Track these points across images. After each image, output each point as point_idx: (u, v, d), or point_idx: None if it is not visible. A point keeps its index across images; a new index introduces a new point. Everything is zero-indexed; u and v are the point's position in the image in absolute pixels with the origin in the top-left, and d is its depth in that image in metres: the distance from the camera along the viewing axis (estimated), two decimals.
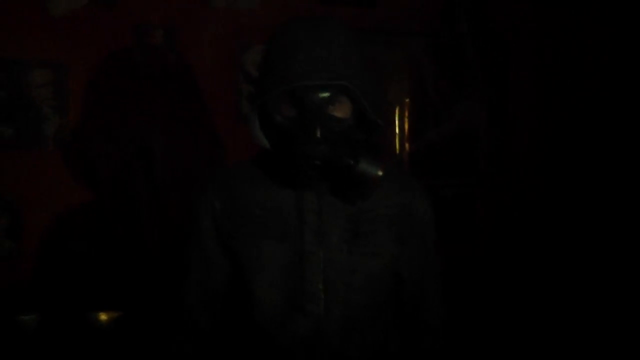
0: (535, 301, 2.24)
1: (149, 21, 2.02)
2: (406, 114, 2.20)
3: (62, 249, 1.95)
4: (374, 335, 1.30)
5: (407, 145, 2.21)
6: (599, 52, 2.21)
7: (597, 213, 2.25)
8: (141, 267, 2.00)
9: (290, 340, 1.24)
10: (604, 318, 2.17)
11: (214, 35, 2.07)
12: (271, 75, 1.18)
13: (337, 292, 1.23)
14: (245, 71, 2.10)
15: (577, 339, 2.17)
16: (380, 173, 1.16)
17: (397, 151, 2.20)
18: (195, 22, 2.05)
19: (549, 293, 2.25)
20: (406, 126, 2.20)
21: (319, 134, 1.14)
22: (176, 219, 2.00)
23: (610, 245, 2.20)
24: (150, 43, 2.02)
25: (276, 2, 2.12)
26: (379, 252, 1.27)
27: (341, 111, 1.19)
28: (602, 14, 2.18)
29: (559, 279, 2.26)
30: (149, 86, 2.02)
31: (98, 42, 1.97)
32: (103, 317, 1.84)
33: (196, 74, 2.06)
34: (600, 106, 2.23)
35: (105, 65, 1.98)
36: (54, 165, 1.95)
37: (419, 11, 2.21)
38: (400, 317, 1.37)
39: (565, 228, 2.30)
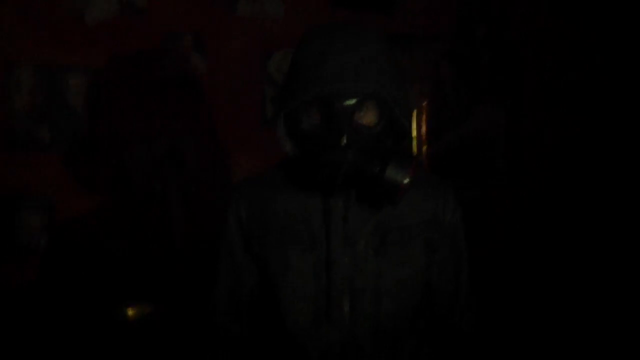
0: (552, 302, 2.29)
1: (178, 29, 2.10)
2: (424, 117, 2.27)
3: (95, 247, 2.04)
4: (406, 344, 1.29)
5: (424, 147, 2.28)
6: (611, 56, 2.27)
7: (613, 214, 2.29)
8: (170, 265, 2.08)
9: (320, 349, 1.23)
10: (619, 318, 2.21)
11: (240, 42, 2.16)
12: (300, 80, 1.16)
13: (365, 300, 1.22)
14: (270, 77, 2.18)
15: (592, 336, 2.21)
16: (407, 180, 1.15)
17: (415, 153, 2.27)
18: (222, 29, 2.14)
19: (564, 294, 2.29)
20: (424, 129, 2.27)
21: (345, 141, 1.12)
22: (204, 218, 2.09)
23: (627, 247, 2.25)
24: (179, 50, 2.11)
25: (299, 11, 2.20)
26: (408, 260, 1.25)
27: (369, 118, 1.18)
28: (614, 20, 2.24)
29: (575, 280, 2.30)
30: (178, 91, 2.11)
31: (130, 49, 2.06)
32: (131, 311, 1.93)
33: (223, 79, 2.15)
34: (614, 109, 2.29)
35: (137, 71, 2.07)
36: (88, 166, 2.04)
37: (436, 17, 2.28)
38: (432, 325, 1.35)
39: (581, 229, 2.34)
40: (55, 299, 1.99)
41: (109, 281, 2.02)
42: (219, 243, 1.32)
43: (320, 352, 1.23)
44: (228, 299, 1.32)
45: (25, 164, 1.99)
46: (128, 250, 2.05)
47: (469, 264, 1.34)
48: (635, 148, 2.24)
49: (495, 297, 2.27)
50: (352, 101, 1.14)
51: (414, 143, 2.27)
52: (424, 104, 2.27)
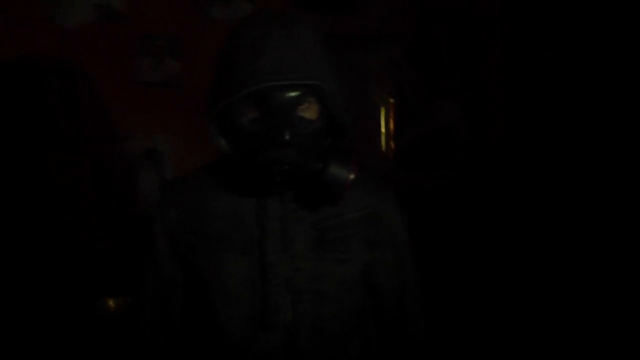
0: (520, 288, 2.35)
1: (153, 33, 2.18)
2: (391, 114, 2.40)
3: (77, 242, 2.09)
4: (350, 348, 1.24)
5: (392, 143, 2.41)
6: (568, 52, 2.41)
7: (570, 199, 2.41)
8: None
9: (260, 356, 1.17)
10: (588, 306, 2.27)
11: (213, 44, 2.24)
12: (236, 74, 1.09)
13: (305, 302, 1.18)
14: None
15: (562, 327, 2.28)
16: (351, 177, 1.12)
17: (384, 149, 2.40)
18: (195, 32, 2.22)
19: (532, 280, 2.36)
20: (391, 125, 2.40)
21: (287, 137, 1.06)
22: None
23: (589, 232, 2.31)
24: (154, 53, 2.19)
25: None
26: (348, 258, 1.21)
27: (310, 113, 1.13)
28: (572, 16, 2.38)
29: (540, 266, 2.38)
30: (155, 92, 2.18)
31: (108, 52, 2.13)
32: (112, 302, 1.99)
33: (197, 79, 2.23)
34: (570, 102, 2.43)
35: (114, 73, 2.14)
36: (66, 166, 2.10)
37: (398, 18, 2.40)
38: (379, 329, 1.32)
39: (542, 216, 2.47)
40: (39, 294, 2.03)
41: (90, 276, 2.08)
42: (142, 248, 1.25)
43: (260, 359, 1.17)
44: (153, 306, 1.24)
45: (8, 164, 2.03)
46: (109, 245, 2.11)
47: (415, 268, 1.31)
48: (588, 136, 2.37)
49: (463, 283, 2.38)
50: (292, 94, 1.08)
51: (382, 139, 2.40)
52: (391, 101, 2.40)
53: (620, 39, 2.27)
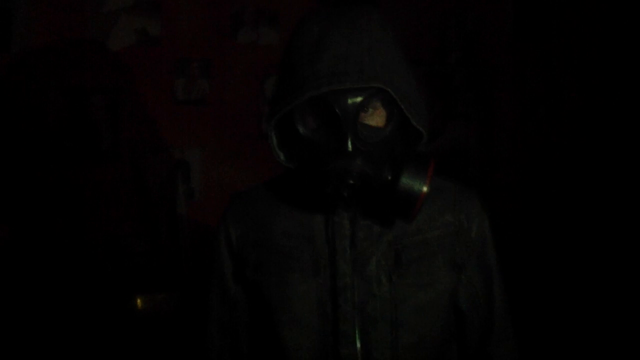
0: (526, 294, 2.36)
1: (188, 55, 2.41)
2: None
3: (116, 245, 2.36)
4: None
5: None
6: (573, 75, 2.52)
7: (582, 222, 2.44)
8: (178, 262, 2.39)
9: None
10: (589, 311, 2.32)
11: (240, 66, 2.46)
12: (294, 79, 0.99)
13: (379, 331, 1.05)
14: (267, 96, 2.48)
15: (565, 330, 2.33)
16: (425, 189, 0.98)
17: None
18: (225, 55, 2.44)
19: (537, 287, 2.42)
20: None
21: (350, 147, 0.95)
22: (206, 220, 2.39)
23: (590, 238, 2.38)
24: (188, 73, 2.42)
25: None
26: (429, 282, 1.06)
27: (377, 118, 1.01)
28: (579, 41, 2.48)
29: (547, 276, 2.45)
30: (187, 109, 2.41)
31: (146, 73, 2.37)
32: (140, 301, 2.22)
33: (225, 98, 2.45)
34: (574, 122, 2.53)
35: (152, 91, 2.39)
36: (109, 174, 2.36)
37: (415, 44, 2.57)
38: (465, 357, 1.17)
39: (547, 226, 2.56)
40: (75, 293, 2.30)
41: (125, 275, 2.34)
42: (209, 270, 1.19)
43: None
44: (219, 331, 1.18)
45: (54, 173, 2.31)
46: (144, 247, 2.37)
47: (504, 281, 1.16)
48: (590, 156, 2.47)
49: None
50: (356, 99, 0.96)
51: None
52: None
53: (627, 61, 2.36)
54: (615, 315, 2.26)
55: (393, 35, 1.04)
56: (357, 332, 1.05)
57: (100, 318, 2.23)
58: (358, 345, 1.05)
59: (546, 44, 2.48)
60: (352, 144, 0.96)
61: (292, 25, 1.09)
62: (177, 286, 2.32)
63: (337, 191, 0.97)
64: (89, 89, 2.33)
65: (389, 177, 1.00)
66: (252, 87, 2.46)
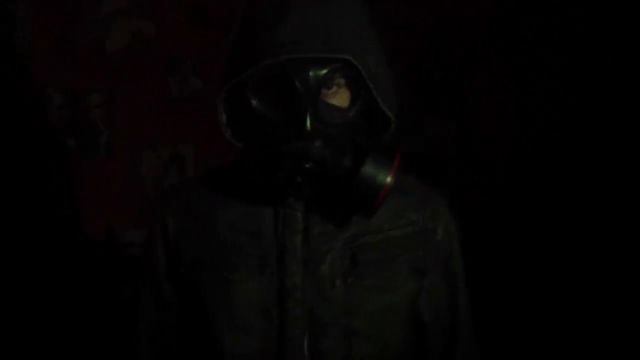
0: (506, 299, 2.39)
1: (180, 55, 2.53)
2: None
3: (113, 235, 2.48)
4: None
5: None
6: (550, 73, 2.60)
7: (563, 220, 2.45)
8: None
9: None
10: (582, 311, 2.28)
11: None
12: (249, 47, 0.88)
13: (331, 340, 0.94)
14: None
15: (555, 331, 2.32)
16: (389, 180, 0.88)
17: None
18: (213, 54, 2.56)
19: (518, 290, 2.43)
20: None
21: (309, 126, 0.84)
22: None
23: (576, 239, 2.37)
24: (181, 72, 2.54)
25: None
26: (388, 286, 0.96)
27: (341, 97, 0.91)
28: (554, 40, 2.57)
29: (526, 282, 2.44)
30: (180, 106, 2.54)
31: (140, 72, 2.49)
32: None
33: (215, 95, 2.56)
34: (552, 118, 2.61)
35: (147, 89, 2.51)
36: (106, 169, 2.48)
37: (395, 43, 2.67)
38: None
39: (530, 226, 2.60)
40: (73, 281, 2.42)
41: (121, 264, 2.46)
42: (141, 265, 1.08)
43: None
44: (148, 333, 1.06)
45: (55, 167, 2.43)
46: (138, 237, 2.49)
47: (469, 291, 1.08)
48: (583, 155, 2.48)
49: None
50: (319, 72, 0.84)
51: None
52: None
53: (605, 58, 2.44)
54: (601, 320, 2.22)
55: (365, 8, 0.93)
56: (305, 339, 0.93)
57: (96, 305, 2.34)
58: (306, 354, 0.93)
59: (523, 42, 2.57)
60: (311, 123, 0.85)
61: None
62: None
63: (290, 176, 0.86)
64: (87, 87, 2.45)
65: (350, 165, 0.89)
66: None
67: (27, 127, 2.39)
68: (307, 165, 0.87)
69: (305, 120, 0.85)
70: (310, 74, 0.85)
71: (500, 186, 2.62)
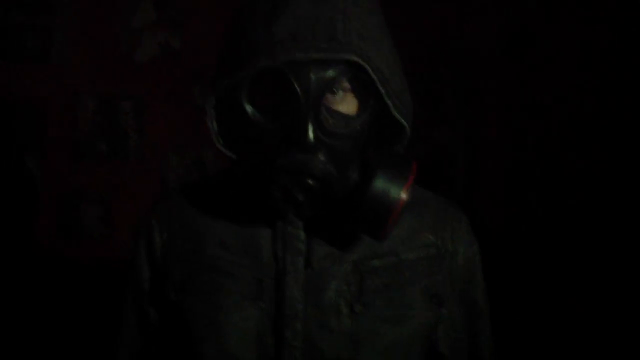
0: (508, 302, 2.35)
1: (204, 65, 2.70)
2: None
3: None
4: None
5: None
6: (551, 85, 2.69)
7: (568, 231, 2.48)
8: None
9: None
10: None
11: None
12: (242, 45, 0.79)
13: None
14: None
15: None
16: (403, 196, 0.78)
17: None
18: None
19: (520, 293, 2.45)
20: None
21: (311, 137, 0.75)
22: None
23: (575, 246, 2.39)
24: (204, 82, 2.71)
25: None
26: (401, 316, 0.85)
27: (347, 104, 0.80)
28: (557, 56, 2.66)
29: (529, 284, 2.48)
30: (203, 114, 2.70)
31: (167, 82, 2.67)
32: None
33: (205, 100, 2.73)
34: (554, 129, 2.71)
35: (173, 98, 2.68)
36: (135, 171, 2.67)
37: (405, 54, 2.80)
38: None
39: (531, 230, 2.60)
40: (100, 279, 2.60)
41: None
42: (125, 284, 0.96)
43: None
44: (128, 356, 0.95)
45: (88, 169, 2.62)
46: None
47: (491, 320, 0.96)
48: (586, 165, 2.44)
49: None
50: (323, 75, 0.75)
51: None
52: None
53: (604, 71, 2.52)
54: (603, 333, 2.21)
55: (376, 1, 0.83)
56: None
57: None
58: None
59: (530, 56, 2.67)
60: (313, 133, 0.75)
61: None
62: None
63: (289, 194, 0.77)
64: (118, 95, 2.64)
65: (359, 180, 0.80)
66: None
67: (64, 131, 2.58)
68: (309, 182, 0.77)
69: (306, 130, 0.75)
70: (313, 77, 0.75)
71: (508, 197, 2.68)
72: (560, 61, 2.59)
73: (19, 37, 2.53)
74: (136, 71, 2.66)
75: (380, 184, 0.79)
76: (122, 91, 2.65)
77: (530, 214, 2.64)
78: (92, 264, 2.59)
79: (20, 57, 2.54)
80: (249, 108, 0.80)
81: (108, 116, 2.64)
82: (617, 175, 2.31)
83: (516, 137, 2.71)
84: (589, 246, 2.36)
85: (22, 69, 2.54)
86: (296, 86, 0.75)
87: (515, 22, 2.73)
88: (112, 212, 2.64)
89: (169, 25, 2.66)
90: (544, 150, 2.66)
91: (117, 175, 2.64)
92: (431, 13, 2.75)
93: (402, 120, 0.83)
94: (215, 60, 0.90)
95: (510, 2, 2.68)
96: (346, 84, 0.79)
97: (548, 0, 2.54)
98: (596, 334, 2.22)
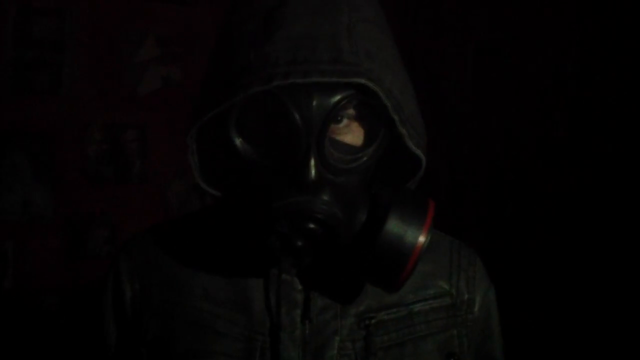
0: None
1: None
2: None
3: None
4: None
5: None
6: (519, 104, 2.82)
7: (542, 234, 2.55)
8: None
9: None
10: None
11: None
12: (230, 67, 0.68)
13: None
14: None
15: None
16: (421, 240, 0.68)
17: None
18: None
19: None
20: None
21: (314, 174, 0.64)
22: None
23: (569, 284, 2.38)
24: None
25: None
26: None
27: (353, 134, 0.70)
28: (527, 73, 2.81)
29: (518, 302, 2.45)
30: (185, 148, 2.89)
31: (169, 111, 2.86)
32: None
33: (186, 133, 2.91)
34: (524, 147, 2.84)
35: (174, 126, 2.87)
36: (139, 195, 2.84)
37: None
38: None
39: (518, 247, 2.66)
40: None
41: None
42: (85, 344, 0.86)
43: None
44: None
45: (95, 193, 2.80)
46: None
47: None
48: (570, 183, 2.46)
49: None
50: (327, 103, 0.64)
51: None
52: None
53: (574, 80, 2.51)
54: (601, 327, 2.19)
55: (381, 16, 0.71)
56: None
57: None
58: None
59: (499, 74, 2.84)
60: (316, 169, 0.64)
61: None
62: None
63: (287, 241, 0.66)
64: (123, 124, 2.83)
65: (367, 222, 0.70)
66: None
67: (72, 158, 2.76)
68: (311, 226, 0.66)
69: (308, 167, 0.64)
70: (315, 104, 0.64)
71: (493, 217, 2.75)
72: (530, 80, 2.75)
73: (31, 72, 2.72)
74: (140, 102, 2.85)
75: (393, 226, 0.67)
76: (127, 120, 2.83)
77: (513, 229, 2.67)
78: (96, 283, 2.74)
79: (32, 90, 2.71)
80: (237, 141, 0.68)
81: (114, 144, 2.83)
82: (588, 191, 2.36)
83: (492, 156, 2.86)
84: (588, 274, 2.31)
85: (34, 101, 2.72)
86: (295, 115, 0.64)
87: (486, 44, 2.87)
88: (118, 234, 2.81)
89: (170, 59, 2.87)
90: (518, 168, 2.79)
91: (122, 199, 2.82)
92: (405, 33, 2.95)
93: (417, 152, 0.71)
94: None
95: (480, 24, 2.81)
96: (351, 111, 0.68)
97: (518, 21, 2.63)
98: (595, 339, 2.19)
